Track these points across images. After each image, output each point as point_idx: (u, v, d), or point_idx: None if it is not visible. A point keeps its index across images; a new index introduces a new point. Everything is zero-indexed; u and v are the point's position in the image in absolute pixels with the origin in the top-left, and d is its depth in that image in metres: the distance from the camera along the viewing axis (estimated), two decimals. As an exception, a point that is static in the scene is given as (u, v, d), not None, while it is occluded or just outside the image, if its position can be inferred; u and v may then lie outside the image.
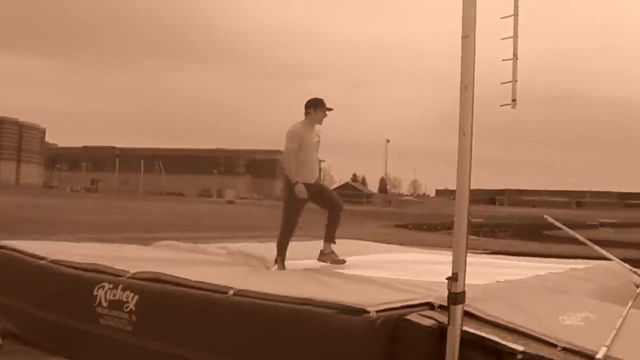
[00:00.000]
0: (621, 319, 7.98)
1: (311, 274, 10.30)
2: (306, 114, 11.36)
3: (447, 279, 6.77)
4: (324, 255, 11.38)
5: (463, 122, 6.81)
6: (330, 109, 11.35)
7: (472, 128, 6.82)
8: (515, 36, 8.67)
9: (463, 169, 6.78)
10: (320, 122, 11.46)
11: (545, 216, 12.97)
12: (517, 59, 8.53)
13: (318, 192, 11.48)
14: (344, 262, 11.15)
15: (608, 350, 6.82)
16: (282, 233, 11.45)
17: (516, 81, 8.47)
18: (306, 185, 11.12)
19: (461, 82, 6.78)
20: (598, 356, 6.68)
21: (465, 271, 6.79)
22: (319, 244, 11.51)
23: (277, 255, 11.29)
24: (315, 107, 11.30)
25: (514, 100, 8.49)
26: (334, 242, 11.47)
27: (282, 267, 11.13)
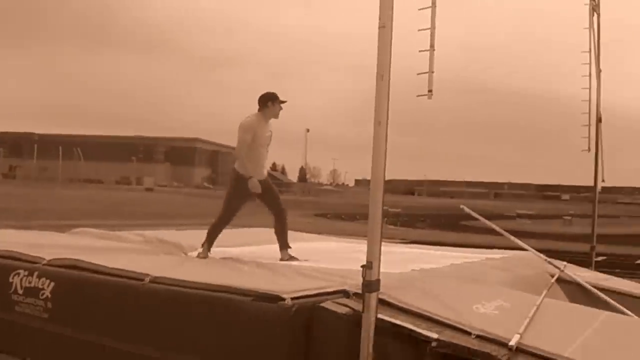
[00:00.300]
0: (535, 308, 8.13)
1: (228, 261, 10.33)
2: (261, 107, 11.17)
3: (361, 267, 6.81)
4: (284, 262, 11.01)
5: (378, 111, 6.83)
6: (283, 102, 11.23)
7: (387, 117, 6.85)
8: (432, 27, 8.76)
9: (378, 158, 6.81)
10: (276, 116, 11.32)
11: (461, 206, 13.07)
12: (434, 50, 8.62)
13: (267, 191, 11.34)
14: (306, 261, 10.80)
15: (521, 337, 6.94)
16: (216, 222, 11.35)
17: (432, 72, 8.55)
18: (257, 179, 11.04)
19: (377, 71, 6.80)
20: (511, 343, 6.80)
21: (379, 259, 6.83)
22: (245, 232, 11.59)
23: (205, 241, 11.22)
24: (273, 100, 11.14)
25: (430, 91, 8.56)
26: (290, 247, 11.32)
27: (206, 254, 11.07)
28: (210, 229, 11.30)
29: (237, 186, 11.15)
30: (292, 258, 11.01)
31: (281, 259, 11.00)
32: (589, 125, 15.77)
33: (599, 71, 16.15)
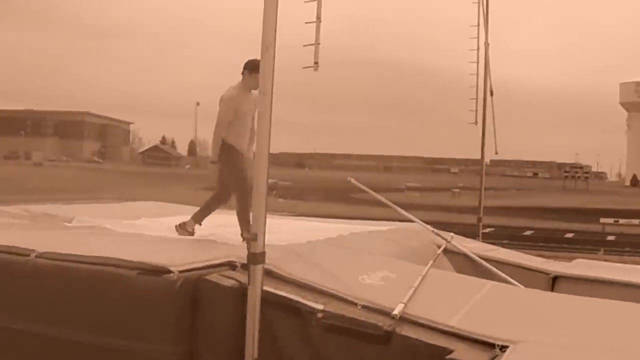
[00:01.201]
0: (420, 278, 8.23)
1: (118, 234, 10.19)
2: (243, 76, 9.98)
3: (246, 238, 6.80)
4: None
5: (263, 82, 6.81)
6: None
7: (272, 89, 6.83)
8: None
9: (263, 130, 6.78)
10: (255, 88, 9.56)
11: (348, 179, 13.13)
12: (320, 21, 8.60)
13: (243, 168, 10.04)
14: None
15: (405, 307, 7.02)
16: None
17: (319, 44, 8.54)
18: (238, 153, 9.93)
19: (262, 43, 6.77)
20: (394, 313, 6.86)
21: (264, 232, 6.83)
22: (137, 205, 11.17)
23: (195, 217, 10.29)
24: (251, 70, 9.65)
25: (316, 62, 8.56)
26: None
27: (192, 230, 10.24)
28: (205, 207, 10.37)
29: (234, 163, 9.96)
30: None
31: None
32: (477, 98, 15.99)
33: (487, 45, 16.34)
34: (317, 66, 8.59)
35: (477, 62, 16.02)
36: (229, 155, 9.93)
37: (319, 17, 8.63)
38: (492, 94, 16.29)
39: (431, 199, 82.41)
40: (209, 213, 10.33)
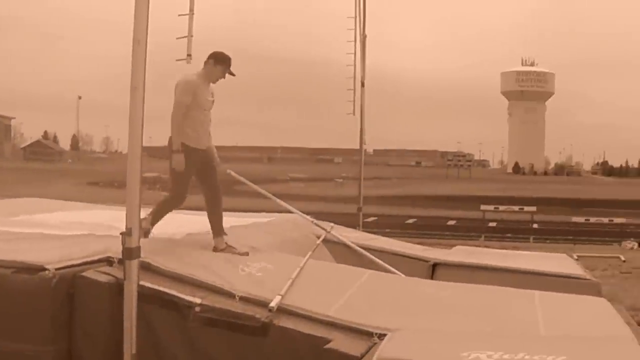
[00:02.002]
0: (298, 269, 8.28)
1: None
2: (205, 66, 9.18)
3: (121, 234, 6.73)
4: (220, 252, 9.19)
5: (135, 76, 6.73)
6: (232, 74, 9.27)
7: (144, 82, 6.77)
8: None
9: (135, 124, 6.73)
10: (214, 80, 9.14)
11: (228, 171, 13.07)
12: (193, 14, 8.58)
13: (207, 164, 9.47)
14: (246, 254, 9.06)
15: (283, 298, 7.05)
16: (166, 200, 9.41)
17: (192, 36, 8.52)
18: (196, 151, 9.09)
19: (134, 36, 6.69)
20: (272, 304, 6.89)
21: (139, 227, 6.78)
22: (15, 202, 10.76)
23: (148, 217, 9.12)
24: (217, 61, 9.09)
25: (189, 55, 8.54)
26: (225, 234, 9.45)
27: (147, 232, 8.94)
28: (159, 207, 9.37)
29: (185, 156, 8.96)
30: (229, 248, 9.19)
31: (215, 249, 9.16)
32: (354, 89, 16.13)
33: (364, 37, 16.49)
34: (190, 58, 8.57)
35: (355, 54, 16.17)
36: (187, 156, 8.98)
37: (191, 10, 8.61)
38: (363, 85, 16.46)
39: (314, 190, 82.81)
40: (163, 215, 9.43)
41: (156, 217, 9.25)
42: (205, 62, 9.15)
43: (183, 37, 8.49)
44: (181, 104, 8.82)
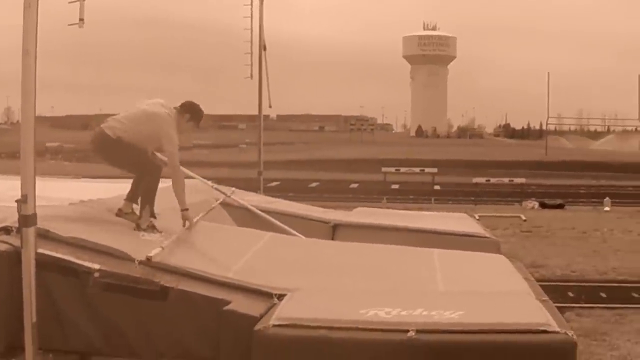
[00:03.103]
0: (185, 227, 8.64)
1: None
2: (178, 112, 8.94)
3: (16, 201, 6.67)
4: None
5: (26, 40, 6.64)
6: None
7: (36, 47, 6.69)
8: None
9: (28, 90, 6.65)
10: (180, 133, 8.94)
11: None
12: (82, -23, 8.50)
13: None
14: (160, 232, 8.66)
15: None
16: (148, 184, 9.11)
17: (84, 0, 8.44)
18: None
19: (25, 0, 6.62)
20: (150, 254, 7.13)
21: (34, 193, 6.72)
22: None
23: (141, 210, 8.91)
24: (192, 117, 9.02)
25: (81, 19, 8.46)
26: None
27: (148, 221, 8.81)
28: (145, 196, 9.04)
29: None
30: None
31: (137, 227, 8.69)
32: (251, 53, 16.14)
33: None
34: (83, 23, 8.47)
35: (252, 17, 16.18)
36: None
37: (80, -27, 8.52)
38: (265, 48, 16.46)
39: (218, 156, 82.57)
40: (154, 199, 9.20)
41: (147, 204, 9.01)
42: (179, 111, 8.92)
43: (75, 1, 8.40)
44: (176, 155, 8.82)
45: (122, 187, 11.86)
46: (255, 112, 17.79)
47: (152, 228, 8.65)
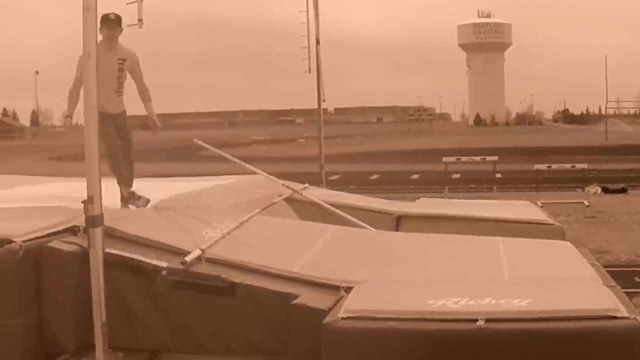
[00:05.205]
0: (236, 224, 8.48)
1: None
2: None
3: (82, 202, 6.73)
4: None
5: (87, 44, 6.69)
6: (111, 24, 9.07)
7: (95, 50, 6.73)
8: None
9: (90, 92, 6.70)
10: (105, 41, 9.14)
11: (195, 140, 13.14)
12: (141, -21, 8.55)
13: (119, 127, 9.81)
14: (148, 200, 9.55)
15: (203, 252, 7.21)
16: (109, 158, 9.60)
17: (142, 0, 8.49)
18: (105, 114, 9.06)
19: (83, 3, 6.64)
20: (186, 258, 7.04)
21: (100, 193, 6.77)
22: None
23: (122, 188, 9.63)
24: (101, 24, 8.84)
25: (140, 20, 8.51)
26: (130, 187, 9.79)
27: (130, 194, 9.62)
28: (111, 167, 9.70)
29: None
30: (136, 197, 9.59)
31: (122, 199, 9.58)
32: (309, 47, 16.12)
33: (315, -8, 16.47)
34: (142, 23, 8.54)
35: (307, 11, 16.15)
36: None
37: (140, -25, 8.57)
38: (318, 42, 16.46)
39: (277, 151, 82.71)
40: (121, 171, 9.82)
41: (118, 175, 9.65)
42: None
43: (133, 2, 8.45)
44: (76, 78, 9.05)
45: (184, 185, 12.00)
46: (312, 106, 17.80)
47: (134, 197, 9.43)
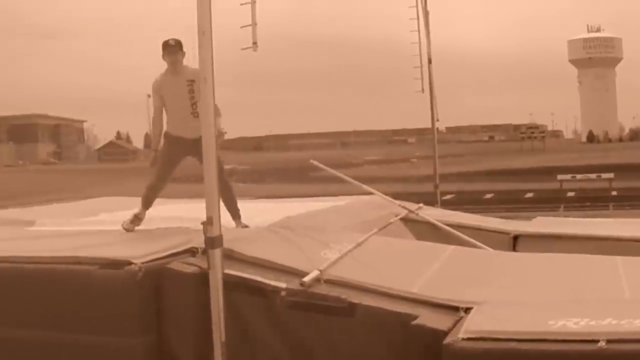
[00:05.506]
0: (354, 245, 8.41)
1: (76, 233, 10.13)
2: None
3: (202, 223, 6.80)
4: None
5: (203, 68, 6.77)
6: (172, 50, 9.40)
7: (212, 74, 6.80)
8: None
9: (207, 115, 6.78)
10: (170, 68, 9.52)
11: (311, 161, 13.21)
12: (255, 2, 8.60)
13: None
14: (247, 226, 9.58)
15: (321, 273, 7.18)
16: (150, 184, 9.97)
17: (255, 24, 8.55)
18: (180, 139, 9.60)
19: (198, 27, 6.72)
20: (304, 279, 7.00)
21: (219, 215, 6.83)
22: (93, 202, 10.80)
23: (141, 206, 9.90)
24: (163, 50, 9.42)
25: (254, 43, 8.57)
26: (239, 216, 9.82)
27: (141, 218, 9.86)
28: (145, 192, 9.99)
29: (164, 145, 9.91)
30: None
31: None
32: (421, 66, 16.10)
33: (426, 13, 16.43)
34: (256, 46, 8.59)
35: (419, 31, 16.15)
36: (164, 139, 9.91)
37: (253, -2, 8.63)
38: (430, 62, 16.43)
39: (390, 171, 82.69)
40: (153, 199, 10.07)
41: (145, 204, 9.84)
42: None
43: (247, 26, 8.52)
44: (154, 107, 9.73)
45: (300, 206, 12.04)
46: (424, 125, 17.74)
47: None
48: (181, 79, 9.45)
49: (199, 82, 8.89)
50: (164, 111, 9.79)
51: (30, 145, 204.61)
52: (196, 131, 8.67)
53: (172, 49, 9.36)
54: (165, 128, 9.83)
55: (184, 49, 9.39)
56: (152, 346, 7.32)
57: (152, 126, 9.94)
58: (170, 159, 9.85)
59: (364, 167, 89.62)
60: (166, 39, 9.43)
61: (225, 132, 10.15)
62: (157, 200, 11.19)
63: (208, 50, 6.78)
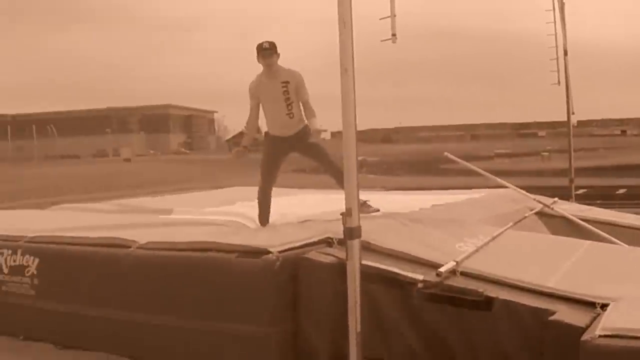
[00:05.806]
0: (489, 238, 8.40)
1: (211, 221, 10.33)
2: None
3: (341, 214, 6.84)
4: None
5: (344, 59, 6.76)
6: (267, 53, 9.63)
7: (353, 65, 6.81)
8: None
9: (348, 106, 6.78)
10: (264, 68, 9.77)
11: (445, 153, 13.20)
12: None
13: (309, 146, 10.14)
14: (377, 210, 9.65)
15: (457, 265, 7.21)
16: (260, 188, 10.43)
17: (394, 16, 8.58)
18: (278, 138, 10.05)
19: (339, 18, 6.74)
20: (440, 269, 7.04)
21: (358, 206, 6.86)
22: (224, 192, 10.97)
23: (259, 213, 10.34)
24: (257, 53, 9.67)
25: (394, 34, 8.60)
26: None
27: (265, 222, 10.24)
28: (258, 197, 10.40)
29: (266, 145, 10.33)
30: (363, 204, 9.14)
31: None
32: (557, 58, 15.86)
33: (562, 4, 16.19)
34: (395, 38, 8.63)
35: (555, 22, 15.91)
36: (265, 142, 10.33)
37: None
38: (566, 53, 16.16)
39: (521, 164, 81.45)
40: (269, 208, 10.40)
41: (262, 210, 10.28)
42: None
43: (386, 17, 8.56)
44: (250, 108, 10.01)
45: (433, 198, 12.02)
46: (554, 119, 17.49)
47: (365, 205, 9.25)
48: (276, 81, 9.73)
49: (295, 82, 9.57)
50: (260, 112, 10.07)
51: (162, 135, 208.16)
52: (293, 128, 9.71)
53: (267, 52, 9.60)
54: (265, 128, 10.17)
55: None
56: (287, 335, 7.44)
57: (247, 125, 10.22)
58: (274, 159, 10.28)
59: (494, 160, 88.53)
60: (260, 41, 9.66)
61: (325, 130, 10.35)
62: (292, 191, 11.26)
63: (349, 41, 6.79)
